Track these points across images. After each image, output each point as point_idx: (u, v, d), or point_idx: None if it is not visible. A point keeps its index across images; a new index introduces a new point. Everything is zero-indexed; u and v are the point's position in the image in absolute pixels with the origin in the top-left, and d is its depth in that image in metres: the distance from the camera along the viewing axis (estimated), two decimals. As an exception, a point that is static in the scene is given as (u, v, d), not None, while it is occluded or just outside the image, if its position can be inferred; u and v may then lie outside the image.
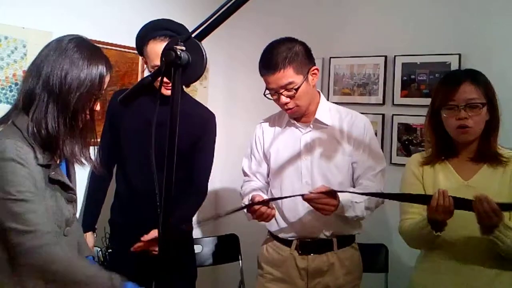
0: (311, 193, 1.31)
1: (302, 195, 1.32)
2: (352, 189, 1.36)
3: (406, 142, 2.12)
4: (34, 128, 1.01)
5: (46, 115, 1.01)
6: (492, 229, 1.16)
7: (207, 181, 1.65)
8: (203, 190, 1.65)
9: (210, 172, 1.66)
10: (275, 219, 1.52)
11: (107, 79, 1.08)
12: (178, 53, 0.65)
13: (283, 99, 1.42)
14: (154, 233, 1.44)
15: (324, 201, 1.30)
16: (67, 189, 1.10)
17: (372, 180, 1.45)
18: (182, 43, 0.66)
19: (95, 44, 1.12)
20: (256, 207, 1.36)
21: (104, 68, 1.07)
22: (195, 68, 0.67)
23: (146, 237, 1.44)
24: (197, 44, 0.67)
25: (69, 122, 1.04)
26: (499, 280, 1.26)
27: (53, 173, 1.05)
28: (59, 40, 1.06)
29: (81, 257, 1.10)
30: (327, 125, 1.50)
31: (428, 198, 1.21)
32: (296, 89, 1.40)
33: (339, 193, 1.32)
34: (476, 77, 1.30)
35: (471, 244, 1.25)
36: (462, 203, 1.17)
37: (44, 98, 1.01)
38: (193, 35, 0.68)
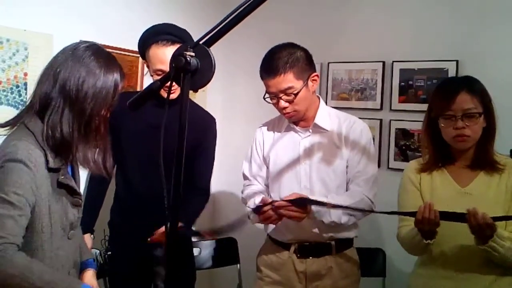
0: (282, 200, 1.32)
1: (273, 203, 1.33)
2: (325, 199, 1.36)
3: (404, 147, 2.14)
4: (49, 132, 1.01)
5: (61, 120, 1.02)
6: (486, 240, 1.18)
7: (209, 183, 1.67)
8: (206, 193, 1.66)
9: (211, 174, 1.68)
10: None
11: (121, 87, 1.11)
12: (188, 59, 0.66)
13: (282, 103, 1.43)
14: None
15: (290, 208, 1.32)
16: (74, 194, 1.10)
17: (361, 185, 1.46)
18: (191, 49, 0.68)
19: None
20: (265, 209, 1.37)
21: (119, 77, 1.09)
22: (203, 73, 0.69)
23: (160, 230, 1.44)
24: (205, 50, 0.68)
25: (84, 128, 1.05)
26: (496, 285, 1.27)
27: (63, 177, 1.06)
28: (75, 47, 1.07)
29: (39, 263, 1.05)
30: (326, 130, 1.52)
31: (413, 213, 1.23)
32: (296, 94, 1.41)
33: (321, 198, 1.34)
34: (472, 86, 1.31)
35: (468, 252, 1.26)
36: (455, 216, 1.19)
37: (60, 103, 1.03)
38: (201, 42, 0.69)
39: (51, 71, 1.05)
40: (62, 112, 1.02)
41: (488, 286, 1.27)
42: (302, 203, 1.33)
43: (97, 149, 1.10)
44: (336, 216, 1.41)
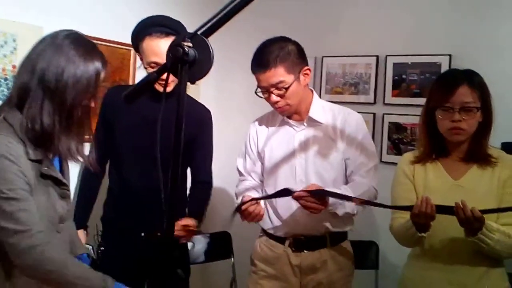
0: (301, 191, 1.32)
1: (291, 194, 1.33)
2: (339, 191, 1.37)
3: (396, 141, 2.16)
4: (28, 124, 0.99)
5: (41, 111, 1.00)
6: (475, 232, 1.20)
7: (211, 175, 1.69)
8: (209, 185, 1.68)
9: (211, 167, 1.69)
10: (269, 216, 1.54)
11: (102, 75, 1.08)
12: (186, 49, 0.65)
13: (273, 97, 1.43)
14: (185, 221, 1.48)
15: (311, 199, 1.32)
16: (60, 185, 1.08)
17: (365, 176, 1.47)
18: (189, 40, 0.66)
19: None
20: (244, 207, 1.38)
21: (100, 65, 1.06)
22: (201, 65, 0.67)
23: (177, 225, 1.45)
24: (204, 41, 0.67)
25: (65, 119, 1.03)
26: (487, 277, 1.30)
27: (45, 168, 1.03)
28: (54, 36, 1.05)
29: (73, 257, 1.09)
30: (320, 123, 1.51)
31: (410, 207, 1.24)
32: (287, 88, 1.41)
33: (335, 190, 1.34)
34: (473, 80, 1.31)
35: (459, 244, 1.28)
36: (445, 209, 1.21)
37: (39, 94, 1.00)
38: (199, 32, 0.68)
39: (29, 62, 1.02)
40: (41, 103, 0.99)
41: (479, 277, 1.29)
42: (320, 195, 1.32)
43: (81, 140, 1.07)
44: (350, 207, 1.42)
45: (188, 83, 0.71)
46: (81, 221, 1.60)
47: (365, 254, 2.01)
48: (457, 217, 1.18)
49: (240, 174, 1.65)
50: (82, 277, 1.01)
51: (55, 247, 1.01)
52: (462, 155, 1.35)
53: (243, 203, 1.39)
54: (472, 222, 1.17)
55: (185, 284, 1.70)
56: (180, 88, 0.68)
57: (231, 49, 2.49)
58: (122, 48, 2.02)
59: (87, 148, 1.14)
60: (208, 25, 0.67)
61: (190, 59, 0.66)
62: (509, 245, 1.24)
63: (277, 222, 1.53)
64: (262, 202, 1.49)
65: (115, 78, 2.02)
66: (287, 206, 1.49)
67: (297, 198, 1.33)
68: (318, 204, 1.32)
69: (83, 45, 1.05)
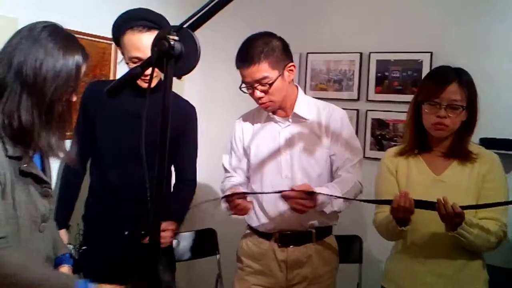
0: (291, 189, 1.31)
1: (281, 192, 1.33)
2: (327, 190, 1.37)
3: (379, 137, 2.19)
4: (5, 121, 0.95)
5: (19, 107, 0.96)
6: (455, 227, 1.23)
7: (195, 173, 1.66)
8: (193, 183, 1.66)
9: (196, 164, 1.67)
10: (255, 213, 1.53)
11: (83, 69, 1.05)
12: (172, 43, 0.63)
13: (257, 93, 1.43)
14: (166, 225, 1.45)
15: (301, 202, 1.31)
16: (41, 183, 1.04)
17: (350, 171, 1.49)
18: (174, 33, 0.64)
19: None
20: (232, 198, 1.37)
21: (81, 58, 1.03)
22: (188, 59, 0.65)
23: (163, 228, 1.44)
24: (190, 35, 0.65)
25: (45, 114, 0.99)
26: (467, 268, 1.34)
27: (25, 165, 0.99)
28: (31, 28, 1.01)
29: (35, 260, 1.04)
30: (306, 119, 1.52)
31: (390, 201, 1.27)
32: (270, 84, 1.40)
33: (318, 190, 1.34)
34: (462, 79, 1.34)
35: (439, 238, 1.31)
36: (426, 204, 1.23)
37: (16, 89, 0.96)
38: (185, 25, 0.66)
39: (5, 55, 0.98)
40: (19, 98, 0.96)
41: (459, 269, 1.33)
42: (309, 195, 1.32)
43: (62, 136, 1.04)
44: (337, 205, 1.43)
45: (173, 78, 0.70)
46: (62, 220, 1.55)
47: (349, 248, 2.04)
48: (439, 212, 1.21)
49: (226, 170, 1.64)
50: (42, 279, 0.97)
51: (15, 251, 0.96)
52: (444, 151, 1.38)
53: (232, 194, 1.38)
54: (453, 218, 1.20)
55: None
56: (165, 83, 0.67)
57: (216, 44, 2.46)
58: (102, 42, 1.96)
59: (68, 144, 1.10)
60: (194, 18, 0.66)
61: (176, 53, 0.64)
62: (487, 239, 1.27)
63: (263, 218, 1.53)
64: (249, 198, 1.48)
65: (95, 73, 1.96)
66: (274, 202, 1.49)
67: (285, 198, 1.32)
68: (307, 205, 1.32)
69: (62, 37, 1.01)
